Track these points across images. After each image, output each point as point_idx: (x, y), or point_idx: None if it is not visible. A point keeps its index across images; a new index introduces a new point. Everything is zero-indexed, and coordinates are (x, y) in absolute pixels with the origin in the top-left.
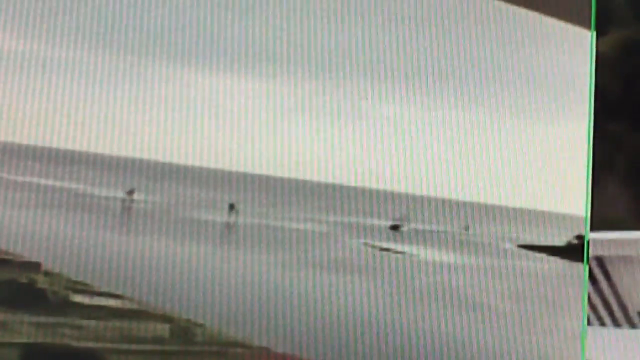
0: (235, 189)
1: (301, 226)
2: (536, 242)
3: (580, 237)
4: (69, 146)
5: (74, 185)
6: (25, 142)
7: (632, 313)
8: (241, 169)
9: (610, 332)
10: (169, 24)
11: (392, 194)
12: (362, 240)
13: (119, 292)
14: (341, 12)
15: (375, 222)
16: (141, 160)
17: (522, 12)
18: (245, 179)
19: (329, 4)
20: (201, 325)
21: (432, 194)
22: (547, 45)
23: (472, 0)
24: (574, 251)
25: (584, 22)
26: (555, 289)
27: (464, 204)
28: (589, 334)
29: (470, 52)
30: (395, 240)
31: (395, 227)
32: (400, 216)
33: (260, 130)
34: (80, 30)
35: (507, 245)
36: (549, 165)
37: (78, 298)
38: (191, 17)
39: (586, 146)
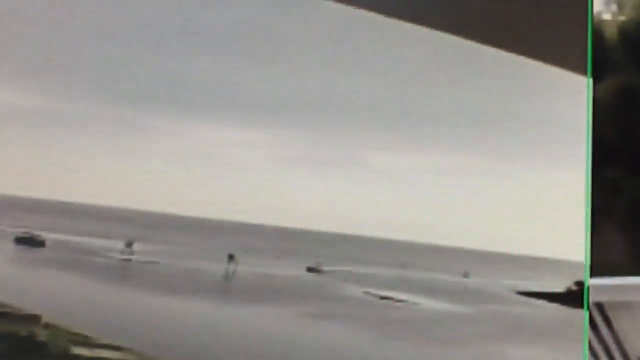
0: (235, 239)
1: (301, 275)
2: (535, 289)
3: (580, 283)
4: (68, 198)
5: (73, 238)
6: (21, 194)
7: (633, 359)
8: (240, 219)
9: None
10: (170, 77)
11: (392, 242)
12: (362, 289)
13: (119, 344)
14: (341, 64)
15: (375, 270)
16: (141, 212)
17: (519, 59)
18: (245, 229)
19: (329, 57)
20: None
21: (431, 241)
22: (543, 92)
23: (469, 48)
24: (573, 297)
25: (580, 69)
26: (556, 336)
27: (463, 251)
28: None
29: (468, 100)
30: (395, 289)
31: (311, 269)
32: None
33: (258, 181)
34: (80, 84)
35: (507, 292)
36: (548, 211)
37: (78, 350)
38: (192, 70)
39: (584, 192)
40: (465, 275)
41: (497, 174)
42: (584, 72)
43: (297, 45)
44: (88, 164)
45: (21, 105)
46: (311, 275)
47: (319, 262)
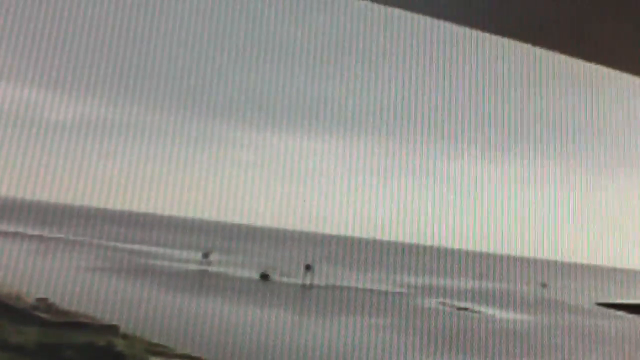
0: (312, 249)
1: (377, 287)
2: (615, 300)
3: None
4: (147, 209)
5: (151, 249)
6: (102, 206)
7: None
8: (317, 230)
9: None
10: (246, 88)
11: (468, 253)
12: (438, 300)
13: (197, 354)
14: (417, 75)
15: (451, 282)
16: (218, 223)
17: (599, 68)
18: (322, 239)
19: (404, 68)
20: None
21: (509, 252)
22: (625, 102)
23: (546, 58)
24: None
25: None
26: (637, 348)
27: (542, 261)
28: None
29: (544, 110)
30: (472, 300)
31: (265, 276)
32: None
33: (335, 191)
34: (156, 95)
35: (586, 303)
36: (628, 222)
37: None
38: (267, 80)
39: None
40: (544, 285)
41: (575, 184)
42: None
43: (372, 56)
44: (164, 175)
45: (96, 116)
46: (389, 285)
47: (397, 273)
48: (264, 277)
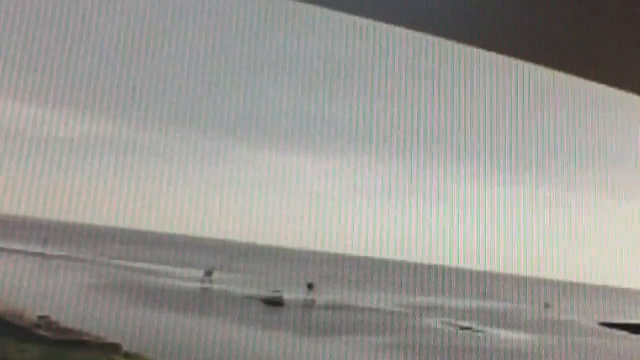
0: (314, 268)
1: (380, 306)
2: (618, 320)
3: None
4: (149, 228)
5: (154, 267)
6: (104, 224)
7: None
8: (319, 248)
9: None
10: (247, 107)
11: (471, 272)
12: (441, 319)
13: None
14: (422, 95)
15: (454, 301)
16: (220, 241)
17: (602, 88)
18: (324, 258)
19: (410, 88)
20: None
21: (512, 271)
22: (628, 122)
23: (549, 78)
24: None
25: None
26: None
27: (545, 281)
28: None
29: (549, 131)
30: (475, 320)
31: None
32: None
33: (339, 210)
34: (162, 114)
35: (589, 323)
36: (631, 242)
37: None
38: (270, 99)
39: None
40: (547, 305)
41: (580, 205)
42: None
43: (378, 76)
44: (167, 194)
45: (99, 135)
46: (392, 305)
47: (399, 293)
48: (275, 303)
